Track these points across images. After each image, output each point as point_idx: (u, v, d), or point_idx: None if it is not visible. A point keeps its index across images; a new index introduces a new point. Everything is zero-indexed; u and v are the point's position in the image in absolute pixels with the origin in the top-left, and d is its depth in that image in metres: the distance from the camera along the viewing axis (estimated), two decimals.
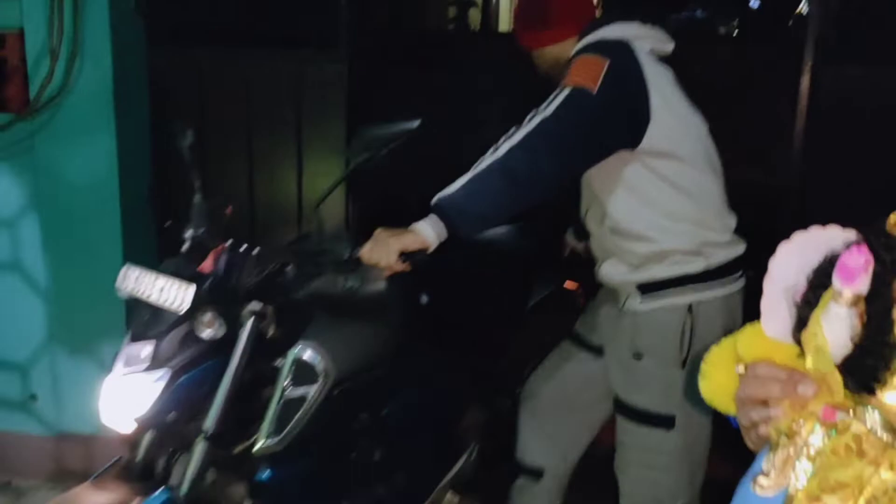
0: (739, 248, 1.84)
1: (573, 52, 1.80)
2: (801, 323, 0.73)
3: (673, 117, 1.73)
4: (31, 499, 2.69)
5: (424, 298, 2.02)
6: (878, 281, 0.68)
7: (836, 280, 0.69)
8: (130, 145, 2.61)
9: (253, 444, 1.63)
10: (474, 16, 4.63)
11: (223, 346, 1.57)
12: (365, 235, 1.62)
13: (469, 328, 2.14)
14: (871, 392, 0.68)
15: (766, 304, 0.77)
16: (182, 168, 1.76)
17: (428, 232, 1.60)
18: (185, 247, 1.68)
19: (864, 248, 0.68)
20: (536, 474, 2.14)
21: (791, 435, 0.72)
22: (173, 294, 1.50)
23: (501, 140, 1.65)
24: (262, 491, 1.67)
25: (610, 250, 1.89)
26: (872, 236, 0.70)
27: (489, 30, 4.94)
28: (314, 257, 1.69)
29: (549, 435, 2.12)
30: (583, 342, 2.06)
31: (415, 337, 1.92)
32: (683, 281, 1.80)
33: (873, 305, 0.68)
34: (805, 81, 2.28)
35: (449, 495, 2.14)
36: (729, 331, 0.84)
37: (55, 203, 2.60)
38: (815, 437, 0.71)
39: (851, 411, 0.70)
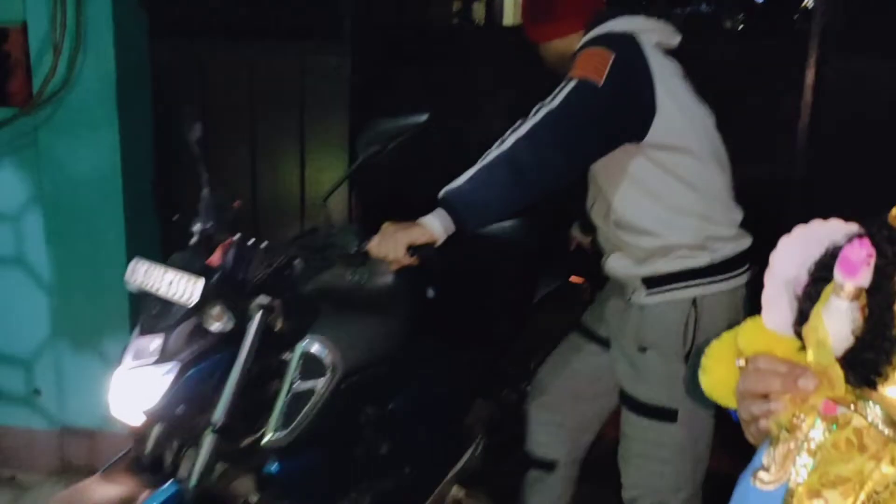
0: (745, 243, 1.84)
1: (579, 45, 1.80)
2: (802, 316, 0.73)
3: (679, 110, 1.73)
4: (35, 493, 2.69)
5: (431, 292, 2.02)
6: (880, 274, 0.68)
7: (838, 273, 0.68)
8: (133, 139, 2.61)
9: (261, 438, 1.64)
10: (478, 10, 4.62)
11: (231, 340, 1.57)
12: (372, 229, 1.63)
13: (475, 322, 2.14)
14: (873, 386, 0.68)
15: (766, 297, 0.77)
16: (190, 161, 1.75)
17: (435, 225, 1.60)
18: (194, 240, 1.68)
19: (866, 242, 0.68)
20: (547, 466, 2.15)
21: (792, 429, 0.72)
22: (182, 287, 1.50)
23: (507, 133, 1.65)
24: (270, 484, 1.67)
25: (615, 244, 1.89)
26: (874, 229, 0.70)
27: (493, 24, 4.93)
28: (322, 251, 1.69)
29: (558, 426, 2.12)
30: (591, 334, 2.07)
31: (421, 331, 1.92)
32: (688, 275, 1.81)
33: (875, 299, 0.68)
34: (810, 75, 2.28)
35: (455, 489, 2.15)
36: (733, 325, 0.83)
37: (58, 197, 2.59)
38: (816, 432, 0.71)
39: (852, 405, 0.70)
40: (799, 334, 0.74)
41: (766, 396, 0.74)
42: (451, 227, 1.61)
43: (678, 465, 1.88)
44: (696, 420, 1.84)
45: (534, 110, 1.65)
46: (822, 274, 0.72)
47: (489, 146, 1.65)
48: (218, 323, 1.56)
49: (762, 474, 0.73)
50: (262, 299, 1.59)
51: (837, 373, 0.69)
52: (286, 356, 1.66)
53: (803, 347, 0.73)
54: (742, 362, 0.78)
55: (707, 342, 0.87)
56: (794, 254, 0.76)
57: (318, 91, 2.68)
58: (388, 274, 1.73)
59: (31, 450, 2.77)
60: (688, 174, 1.76)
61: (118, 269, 2.58)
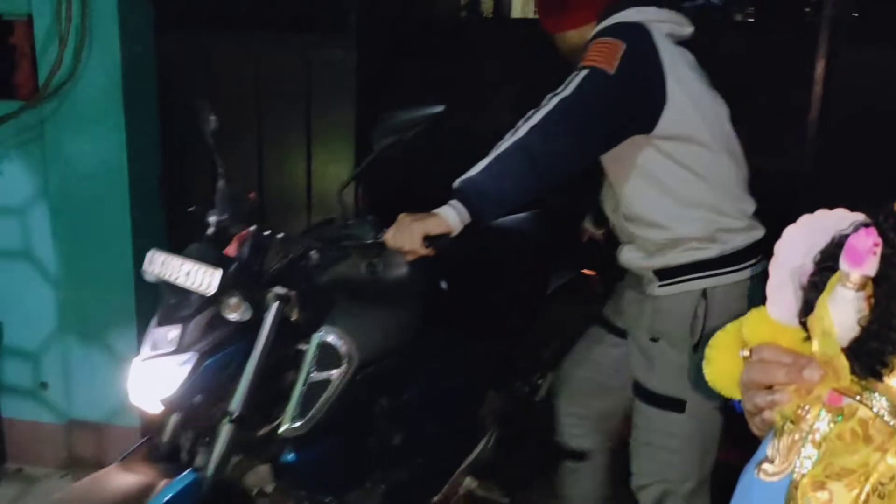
0: (757, 234, 1.84)
1: (591, 35, 1.80)
2: (807, 306, 0.72)
3: (689, 100, 1.73)
4: (43, 486, 2.69)
5: (444, 284, 2.02)
6: (887, 263, 0.67)
7: (844, 262, 0.67)
8: (139, 132, 2.60)
9: (277, 427, 1.64)
10: (486, 2, 4.61)
11: (248, 330, 1.57)
12: (387, 220, 1.63)
13: (488, 315, 2.14)
14: (878, 377, 0.67)
15: (772, 287, 0.76)
16: (204, 154, 1.75)
17: (451, 216, 1.60)
18: (210, 231, 1.68)
19: (873, 231, 0.67)
20: (580, 456, 2.16)
21: (796, 420, 0.71)
22: (200, 277, 1.50)
23: (520, 122, 1.65)
24: (286, 473, 1.67)
25: (627, 236, 1.90)
26: (881, 218, 0.69)
27: (502, 16, 4.91)
28: (337, 242, 1.69)
29: (586, 417, 2.14)
30: (611, 326, 2.08)
31: (435, 322, 1.92)
32: (699, 266, 1.81)
33: (881, 288, 0.67)
34: (820, 67, 2.28)
35: (468, 480, 2.15)
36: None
37: (65, 190, 2.59)
38: (821, 423, 0.70)
39: (858, 396, 0.69)
40: (804, 324, 0.73)
41: (770, 387, 0.73)
42: (467, 218, 1.61)
43: (686, 455, 1.89)
44: (704, 411, 1.85)
45: (545, 99, 1.66)
46: (827, 263, 0.71)
47: (497, 140, 1.64)
48: (235, 313, 1.56)
49: (766, 466, 0.72)
50: (279, 290, 1.59)
51: (843, 363, 0.68)
52: (302, 347, 1.66)
53: (808, 338, 0.72)
54: (746, 353, 0.77)
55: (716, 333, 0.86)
56: (799, 243, 0.75)
57: (323, 84, 2.68)
58: (403, 265, 1.73)
59: (38, 443, 2.77)
60: (697, 164, 1.76)
61: (125, 262, 2.60)
